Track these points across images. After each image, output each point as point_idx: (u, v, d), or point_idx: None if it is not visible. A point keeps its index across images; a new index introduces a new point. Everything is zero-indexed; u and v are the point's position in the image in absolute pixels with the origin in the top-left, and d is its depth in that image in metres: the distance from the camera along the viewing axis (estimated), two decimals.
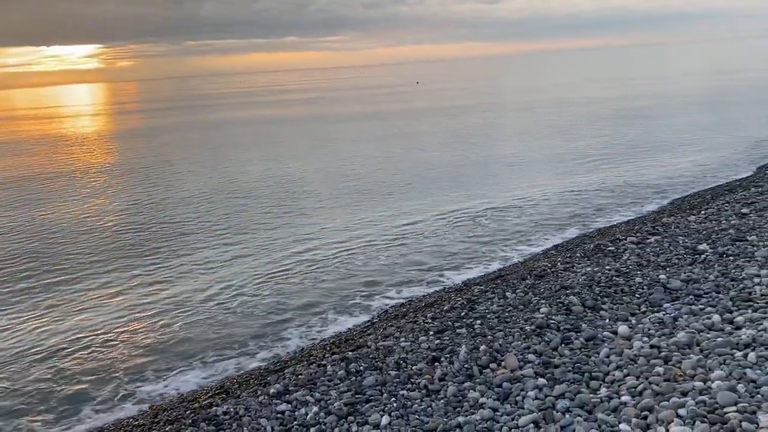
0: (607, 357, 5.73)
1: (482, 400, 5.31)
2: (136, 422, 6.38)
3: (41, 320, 9.79)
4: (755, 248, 8.26)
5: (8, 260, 12.95)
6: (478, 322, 7.00)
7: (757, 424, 4.19)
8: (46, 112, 74.75)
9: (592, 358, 5.76)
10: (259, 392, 6.18)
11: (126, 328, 9.34)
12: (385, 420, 5.23)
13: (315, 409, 5.56)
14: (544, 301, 7.30)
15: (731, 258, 8.07)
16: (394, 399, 5.58)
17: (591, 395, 5.06)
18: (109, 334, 9.14)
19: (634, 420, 4.51)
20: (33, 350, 8.75)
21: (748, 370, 4.92)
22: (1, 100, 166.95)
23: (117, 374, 7.97)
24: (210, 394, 6.74)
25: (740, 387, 4.69)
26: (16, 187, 21.69)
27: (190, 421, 5.80)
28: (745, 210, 10.41)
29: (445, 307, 7.95)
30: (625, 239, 9.87)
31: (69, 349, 8.72)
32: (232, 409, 5.83)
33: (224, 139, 34.09)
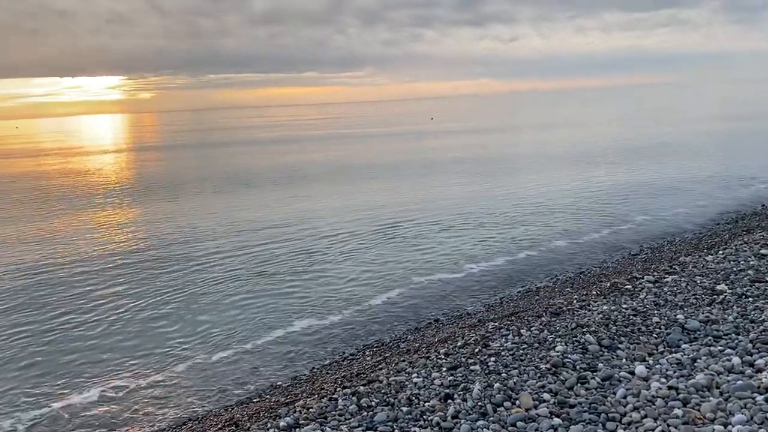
0: (624, 398, 5.61)
1: None
2: None
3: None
4: None
5: None
6: (492, 359, 6.89)
7: None
8: (60, 145, 75.59)
9: (609, 398, 5.64)
10: (269, 425, 6.09)
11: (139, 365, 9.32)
12: None
13: None
14: (559, 339, 7.18)
15: (750, 299, 7.93)
16: None
17: None
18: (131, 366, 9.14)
19: None
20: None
21: None
22: (24, 129, 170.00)
23: (129, 403, 7.97)
24: (219, 426, 6.65)
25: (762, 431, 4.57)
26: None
27: None
28: (764, 251, 10.27)
29: (459, 343, 7.85)
30: (642, 278, 9.76)
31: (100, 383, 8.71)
32: None
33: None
